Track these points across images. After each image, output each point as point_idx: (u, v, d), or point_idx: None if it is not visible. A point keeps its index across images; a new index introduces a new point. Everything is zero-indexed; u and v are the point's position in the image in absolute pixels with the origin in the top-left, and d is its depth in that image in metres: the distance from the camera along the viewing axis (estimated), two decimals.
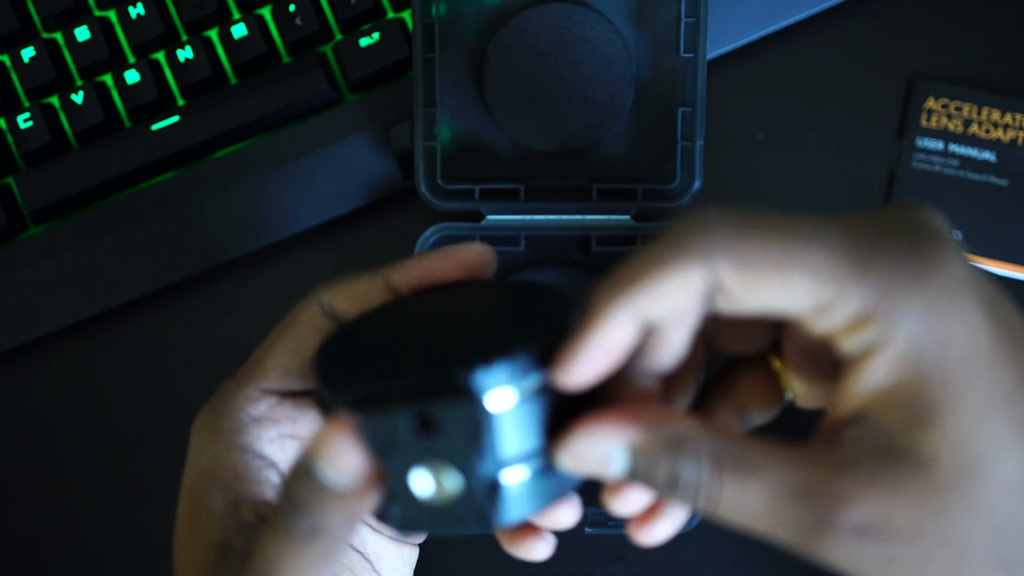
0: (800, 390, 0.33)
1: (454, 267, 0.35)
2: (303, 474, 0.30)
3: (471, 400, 0.28)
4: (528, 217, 0.44)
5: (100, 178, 0.47)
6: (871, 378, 0.28)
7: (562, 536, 0.47)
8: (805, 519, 0.28)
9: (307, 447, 0.30)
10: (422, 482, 0.29)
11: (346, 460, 0.29)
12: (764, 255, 0.28)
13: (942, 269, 0.28)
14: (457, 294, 0.34)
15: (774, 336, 0.34)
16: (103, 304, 0.48)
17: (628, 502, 0.31)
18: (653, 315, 0.29)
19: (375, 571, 0.39)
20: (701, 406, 0.35)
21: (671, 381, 0.33)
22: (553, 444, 0.29)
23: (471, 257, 0.35)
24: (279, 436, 0.36)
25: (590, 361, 0.29)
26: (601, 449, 0.29)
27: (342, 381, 0.30)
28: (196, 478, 0.36)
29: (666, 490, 0.29)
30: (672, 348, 0.31)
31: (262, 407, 0.36)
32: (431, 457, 0.29)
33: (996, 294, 0.29)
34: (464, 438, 0.28)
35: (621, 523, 0.44)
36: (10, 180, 0.48)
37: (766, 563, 0.47)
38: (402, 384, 0.29)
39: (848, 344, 0.29)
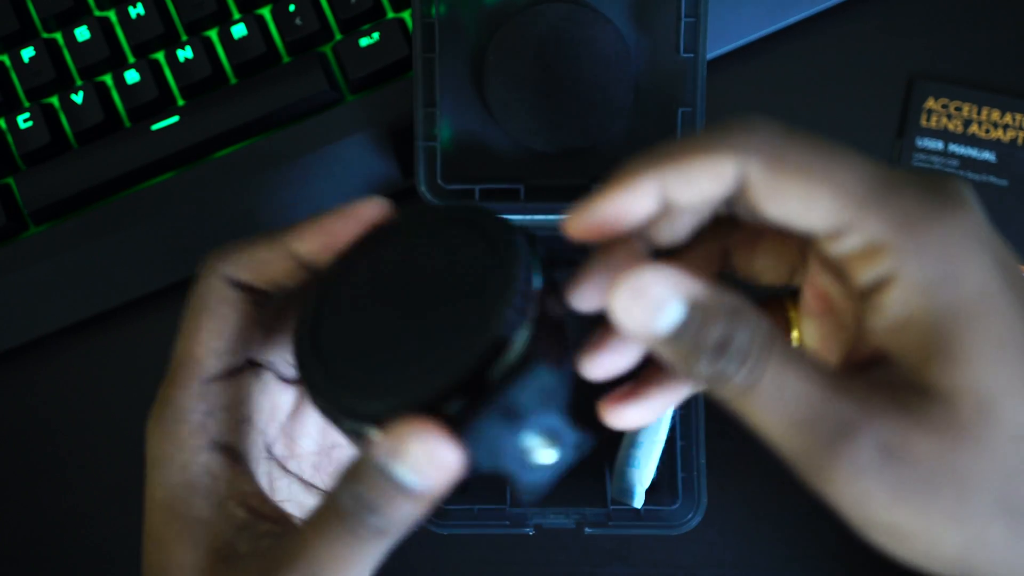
0: (813, 343, 0.34)
1: (354, 226, 0.35)
2: (377, 475, 0.30)
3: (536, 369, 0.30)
4: (528, 217, 0.44)
5: (100, 178, 0.47)
6: (888, 312, 0.29)
7: (562, 536, 0.47)
8: (833, 426, 0.28)
9: (379, 447, 0.30)
10: (542, 455, 0.31)
11: (431, 463, 0.30)
12: (794, 164, 0.28)
13: (958, 213, 0.28)
14: (401, 252, 0.34)
15: (791, 278, 0.34)
16: (103, 304, 0.48)
17: (601, 365, 0.33)
18: (676, 194, 0.29)
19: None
20: None
21: None
22: (610, 289, 0.29)
23: (369, 214, 0.35)
24: (234, 422, 0.36)
25: (603, 215, 0.30)
26: (661, 292, 0.28)
27: (392, 396, 0.30)
28: (169, 491, 0.35)
29: (712, 353, 0.28)
30: (677, 231, 0.32)
31: (210, 398, 0.35)
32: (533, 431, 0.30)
33: (1006, 251, 0.29)
34: (542, 398, 0.30)
35: (621, 523, 0.44)
36: (10, 180, 0.48)
37: (766, 563, 0.47)
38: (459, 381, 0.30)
39: (863, 274, 0.29)
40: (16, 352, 0.49)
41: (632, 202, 0.30)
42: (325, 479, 0.40)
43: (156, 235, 0.47)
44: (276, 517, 0.35)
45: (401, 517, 0.30)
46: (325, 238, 0.35)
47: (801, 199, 0.29)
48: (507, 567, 0.47)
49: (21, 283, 0.47)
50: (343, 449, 0.40)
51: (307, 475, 0.40)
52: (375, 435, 0.31)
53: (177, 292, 0.49)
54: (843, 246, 0.29)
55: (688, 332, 0.28)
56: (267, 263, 0.36)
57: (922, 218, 0.28)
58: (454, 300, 0.31)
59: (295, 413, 0.39)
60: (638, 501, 0.43)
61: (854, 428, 0.27)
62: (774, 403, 0.28)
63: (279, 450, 0.39)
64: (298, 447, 0.40)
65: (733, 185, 0.29)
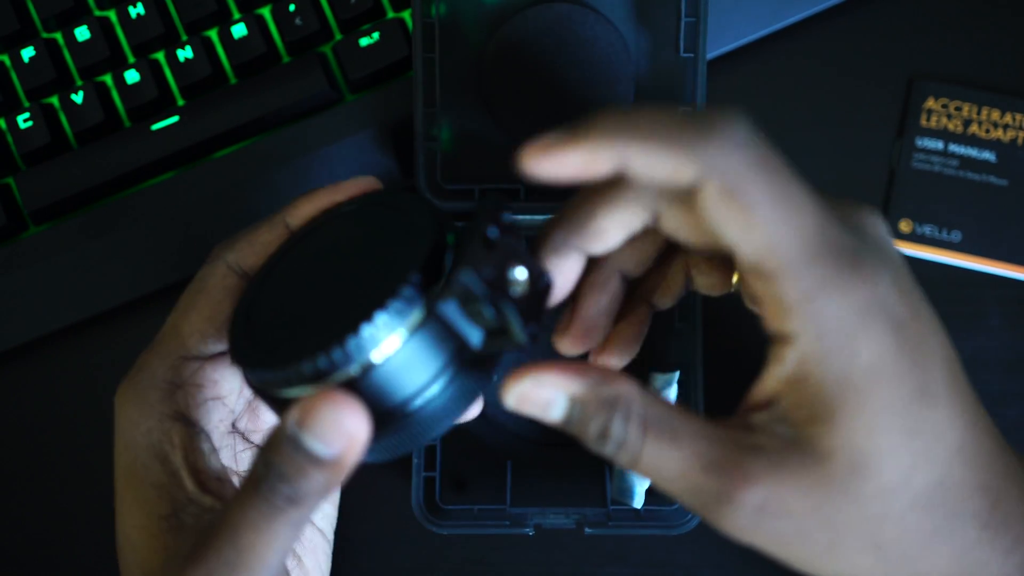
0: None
1: (345, 199, 0.37)
2: (288, 443, 0.31)
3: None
4: (528, 217, 0.44)
5: (100, 178, 0.47)
6: (784, 367, 0.32)
7: (562, 536, 0.47)
8: (712, 490, 0.31)
9: (292, 416, 0.31)
10: (518, 275, 0.32)
11: (336, 431, 0.31)
12: (745, 202, 0.30)
13: (868, 286, 0.31)
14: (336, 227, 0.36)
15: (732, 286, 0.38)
16: (103, 304, 0.48)
17: (572, 346, 0.37)
18: (634, 170, 0.31)
19: (302, 562, 0.41)
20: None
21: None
22: (502, 385, 0.32)
23: (360, 188, 0.37)
24: (204, 400, 0.37)
25: (562, 164, 0.31)
26: (545, 395, 0.32)
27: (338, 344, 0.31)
28: (132, 454, 0.36)
29: (595, 441, 0.32)
30: (642, 260, 0.37)
31: (185, 374, 0.36)
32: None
33: (911, 312, 0.32)
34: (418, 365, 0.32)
35: (621, 523, 0.44)
36: (10, 180, 0.48)
37: (766, 563, 0.47)
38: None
39: (770, 321, 0.32)
40: (16, 352, 0.49)
41: (593, 160, 0.31)
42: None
43: (156, 235, 0.47)
44: (223, 495, 0.36)
45: (312, 487, 0.31)
46: (319, 211, 0.37)
47: (737, 233, 0.31)
48: (507, 567, 0.47)
49: (21, 283, 0.47)
50: None
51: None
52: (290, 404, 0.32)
53: (177, 292, 0.48)
54: (758, 287, 0.31)
55: (573, 421, 0.32)
56: (270, 245, 0.37)
57: (831, 291, 0.30)
58: (366, 279, 0.33)
59: None
60: (638, 501, 0.43)
61: (736, 488, 0.31)
62: (659, 472, 0.32)
63: (244, 424, 0.40)
64: (261, 421, 0.41)
65: (686, 187, 0.31)
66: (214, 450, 0.37)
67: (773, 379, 0.32)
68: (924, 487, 0.32)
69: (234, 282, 0.37)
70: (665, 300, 0.39)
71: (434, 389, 0.32)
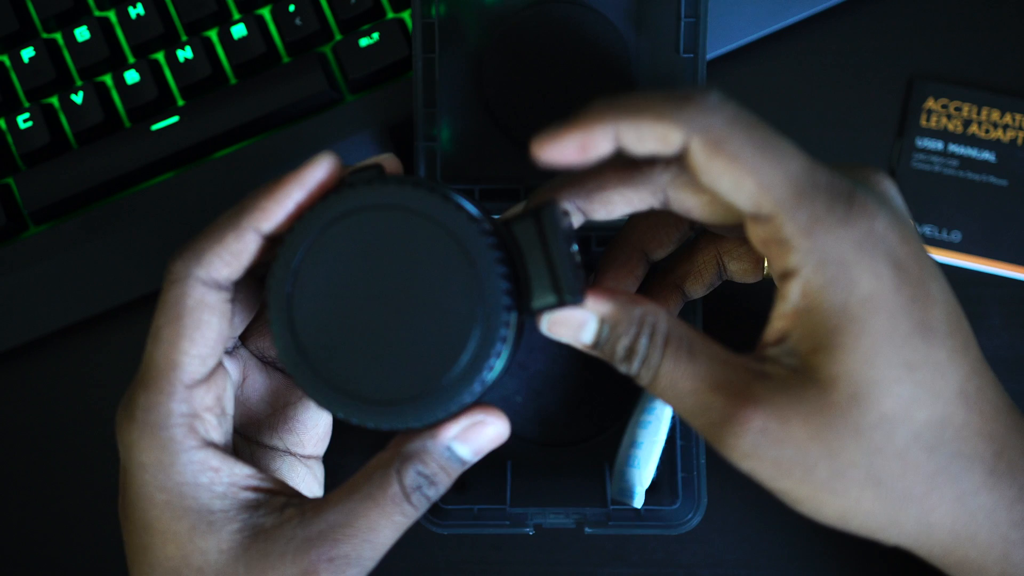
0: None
1: (315, 193, 0.36)
2: (441, 455, 0.36)
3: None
4: None
5: (100, 178, 0.47)
6: (788, 301, 0.33)
7: (562, 536, 0.47)
8: (718, 409, 0.33)
9: (449, 435, 0.36)
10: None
11: (489, 442, 0.37)
12: (730, 152, 0.32)
13: (863, 221, 0.32)
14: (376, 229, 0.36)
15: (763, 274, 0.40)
16: (103, 304, 0.48)
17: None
18: (628, 145, 0.33)
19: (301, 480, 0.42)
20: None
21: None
22: (539, 312, 0.35)
23: (321, 176, 0.36)
24: (215, 417, 0.37)
25: (563, 149, 0.34)
26: (578, 316, 0.35)
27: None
28: (171, 491, 0.35)
29: (622, 359, 0.35)
30: (665, 245, 0.39)
31: (196, 403, 0.36)
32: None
33: (911, 253, 0.33)
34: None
35: (621, 523, 0.44)
36: (10, 180, 0.48)
37: (766, 563, 0.47)
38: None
39: (774, 262, 0.33)
40: (16, 352, 0.49)
41: (590, 142, 0.33)
42: (284, 438, 0.41)
43: (156, 235, 0.47)
44: (282, 489, 0.37)
45: (448, 485, 0.37)
46: (288, 211, 0.36)
47: (729, 183, 0.33)
48: (507, 567, 0.47)
49: (21, 283, 0.47)
50: (296, 407, 0.41)
51: (264, 438, 0.41)
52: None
53: None
54: (760, 232, 0.33)
55: (604, 340, 0.35)
56: (240, 253, 0.36)
57: (826, 225, 0.32)
58: (430, 304, 0.35)
59: (244, 381, 0.40)
60: (638, 501, 0.43)
61: (741, 409, 0.33)
62: (673, 388, 0.34)
63: (236, 419, 0.40)
64: (253, 412, 0.41)
65: (677, 151, 0.33)
66: (235, 454, 0.38)
67: (780, 315, 0.34)
68: (926, 423, 0.32)
69: (216, 298, 0.36)
70: (697, 288, 0.41)
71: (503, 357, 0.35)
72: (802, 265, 0.32)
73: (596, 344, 0.35)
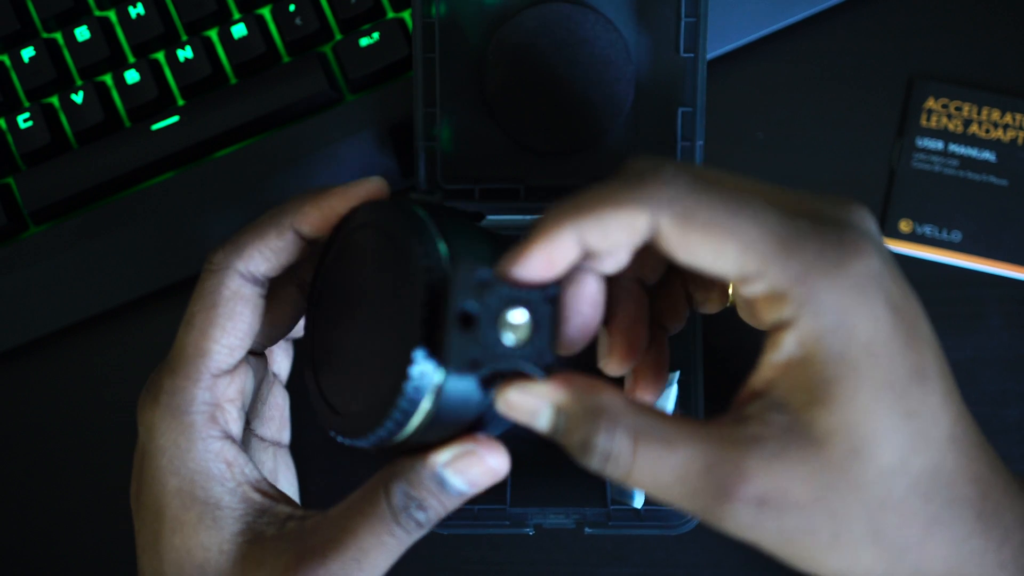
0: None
1: (356, 203, 0.37)
2: (432, 481, 0.35)
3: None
4: (528, 217, 0.44)
5: (100, 178, 0.47)
6: (780, 352, 0.31)
7: (562, 536, 0.47)
8: (710, 491, 0.31)
9: (439, 460, 0.35)
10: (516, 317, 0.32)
11: (485, 474, 0.35)
12: (702, 220, 0.31)
13: (857, 264, 0.31)
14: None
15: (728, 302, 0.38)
16: (103, 304, 0.48)
17: (620, 362, 0.38)
18: (594, 243, 0.32)
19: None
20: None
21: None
22: (494, 394, 0.33)
23: (367, 192, 0.37)
24: (236, 411, 0.38)
25: (532, 269, 0.32)
26: (531, 403, 0.32)
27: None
28: (184, 477, 0.36)
29: (578, 453, 0.32)
30: (613, 264, 0.34)
31: (219, 393, 0.37)
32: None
33: (903, 294, 0.32)
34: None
35: (621, 523, 0.44)
36: (10, 180, 0.48)
37: (766, 563, 0.47)
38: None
39: (766, 315, 0.32)
40: (16, 352, 0.49)
41: (555, 252, 0.32)
42: (277, 431, 0.43)
43: (156, 235, 0.47)
44: (286, 500, 0.37)
45: (442, 514, 0.35)
46: (331, 216, 0.37)
47: (710, 252, 0.31)
48: (507, 567, 0.47)
49: (21, 283, 0.47)
50: (262, 389, 0.42)
51: (270, 435, 0.42)
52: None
53: (177, 292, 0.48)
54: (749, 291, 0.32)
55: (559, 431, 0.32)
56: (280, 251, 0.37)
57: (820, 271, 0.31)
58: (380, 333, 0.34)
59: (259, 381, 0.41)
60: (638, 501, 0.43)
61: (734, 486, 0.31)
62: (656, 481, 0.31)
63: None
64: (267, 409, 0.42)
65: (646, 235, 0.31)
66: (250, 457, 0.38)
67: (768, 367, 0.32)
68: (921, 472, 0.31)
69: (252, 292, 0.37)
70: (675, 322, 0.40)
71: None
72: (798, 315, 0.31)
73: (554, 433, 0.33)
